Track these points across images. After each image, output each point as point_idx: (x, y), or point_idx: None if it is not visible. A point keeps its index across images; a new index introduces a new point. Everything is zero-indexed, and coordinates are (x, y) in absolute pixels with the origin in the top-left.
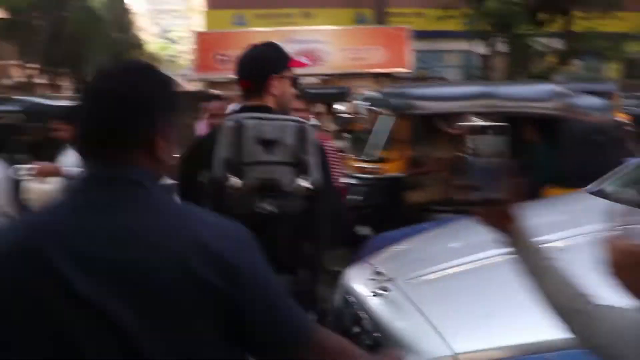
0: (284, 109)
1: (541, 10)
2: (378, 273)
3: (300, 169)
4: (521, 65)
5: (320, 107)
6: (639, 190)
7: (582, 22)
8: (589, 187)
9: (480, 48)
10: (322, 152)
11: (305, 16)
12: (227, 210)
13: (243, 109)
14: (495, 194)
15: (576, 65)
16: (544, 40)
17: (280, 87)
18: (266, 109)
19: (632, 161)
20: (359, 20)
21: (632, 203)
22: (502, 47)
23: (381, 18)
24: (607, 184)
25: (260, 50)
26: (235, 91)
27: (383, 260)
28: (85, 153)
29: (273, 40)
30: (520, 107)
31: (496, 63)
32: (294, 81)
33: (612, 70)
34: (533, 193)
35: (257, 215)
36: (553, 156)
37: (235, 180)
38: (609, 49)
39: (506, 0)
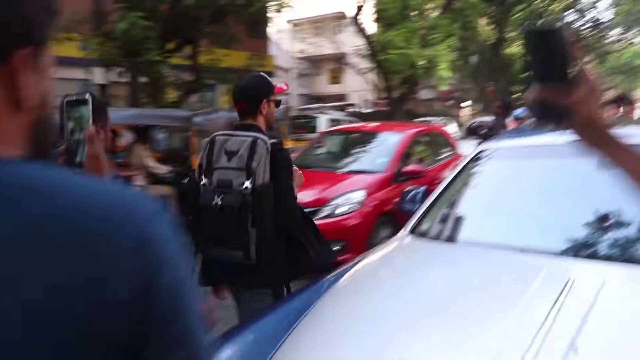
0: (270, 125)
1: (170, 38)
2: None
3: (248, 173)
4: (150, 95)
5: None
6: (453, 225)
7: (206, 55)
8: (407, 226)
9: (98, 77)
10: (275, 159)
11: None
12: (197, 200)
13: (237, 127)
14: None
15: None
16: (173, 70)
17: (268, 109)
18: (250, 126)
19: (421, 191)
20: None
21: (464, 242)
22: (127, 75)
23: None
24: (423, 222)
25: (253, 79)
26: None
27: None
28: None
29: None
30: None
31: (120, 92)
32: (278, 103)
33: (224, 102)
34: None
35: (213, 206)
36: None
37: (203, 180)
38: (234, 81)
39: (139, 24)
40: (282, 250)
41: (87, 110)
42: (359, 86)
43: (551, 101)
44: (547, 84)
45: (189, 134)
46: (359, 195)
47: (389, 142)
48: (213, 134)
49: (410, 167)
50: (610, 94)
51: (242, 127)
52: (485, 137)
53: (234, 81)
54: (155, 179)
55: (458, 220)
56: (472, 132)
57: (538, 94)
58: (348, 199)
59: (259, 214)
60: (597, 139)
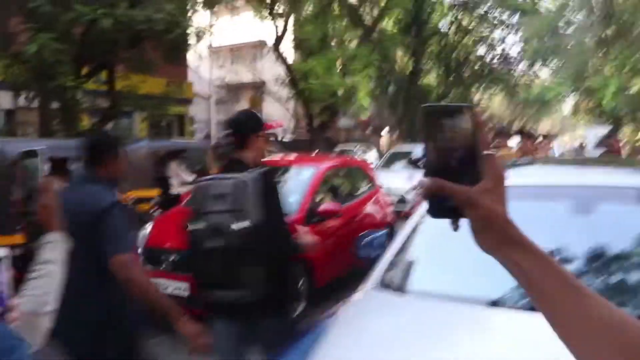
0: (259, 159)
1: (84, 63)
2: None
3: (238, 214)
4: (63, 122)
5: None
6: (422, 277)
7: (122, 81)
8: (373, 278)
9: (6, 101)
10: (266, 190)
11: None
12: (191, 245)
13: (227, 161)
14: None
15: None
16: (88, 97)
17: (256, 144)
18: (237, 162)
19: (380, 235)
20: None
21: (440, 295)
22: (37, 100)
23: None
24: (389, 273)
25: (241, 115)
26: None
27: None
28: None
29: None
30: None
31: (30, 119)
32: (268, 139)
33: (140, 130)
34: None
35: (210, 250)
36: None
37: (195, 225)
38: (153, 108)
39: (51, 46)
40: (283, 279)
41: (37, 162)
42: (279, 114)
43: (447, 195)
44: (443, 175)
45: None
46: None
47: (300, 177)
48: (196, 181)
49: (325, 207)
50: (517, 127)
51: (230, 162)
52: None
53: (151, 108)
54: None
55: (430, 272)
56: (413, 164)
57: (431, 186)
58: None
59: (256, 251)
60: (499, 240)
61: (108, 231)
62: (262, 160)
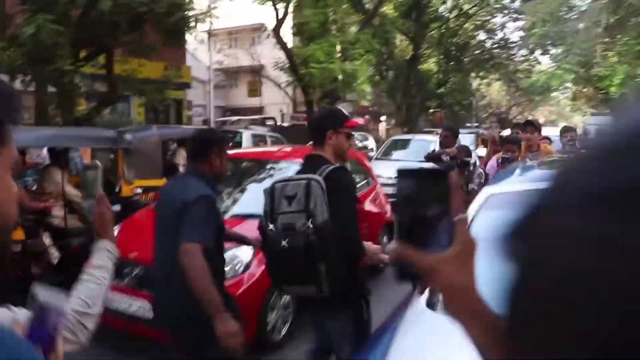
0: (340, 156)
1: (83, 46)
2: None
3: (308, 214)
4: (61, 106)
5: None
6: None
7: (121, 65)
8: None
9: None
10: (334, 187)
11: None
12: (266, 245)
13: (306, 157)
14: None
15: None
16: (85, 81)
17: (335, 140)
18: (318, 158)
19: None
20: None
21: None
22: (33, 85)
23: None
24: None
25: (321, 112)
26: None
27: None
28: None
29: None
30: None
31: (27, 103)
32: (349, 136)
33: (138, 114)
34: None
35: (282, 248)
36: None
37: (269, 226)
38: (152, 92)
39: (48, 28)
40: (352, 275)
41: (96, 175)
42: (278, 99)
43: (411, 262)
44: (414, 238)
45: (114, 156)
46: (246, 252)
47: (288, 174)
48: (273, 182)
49: None
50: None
51: (309, 158)
52: (449, 167)
53: (150, 92)
54: (74, 208)
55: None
56: (432, 159)
57: (394, 253)
58: (231, 257)
59: (324, 250)
60: (460, 309)
61: (187, 219)
62: (344, 156)
